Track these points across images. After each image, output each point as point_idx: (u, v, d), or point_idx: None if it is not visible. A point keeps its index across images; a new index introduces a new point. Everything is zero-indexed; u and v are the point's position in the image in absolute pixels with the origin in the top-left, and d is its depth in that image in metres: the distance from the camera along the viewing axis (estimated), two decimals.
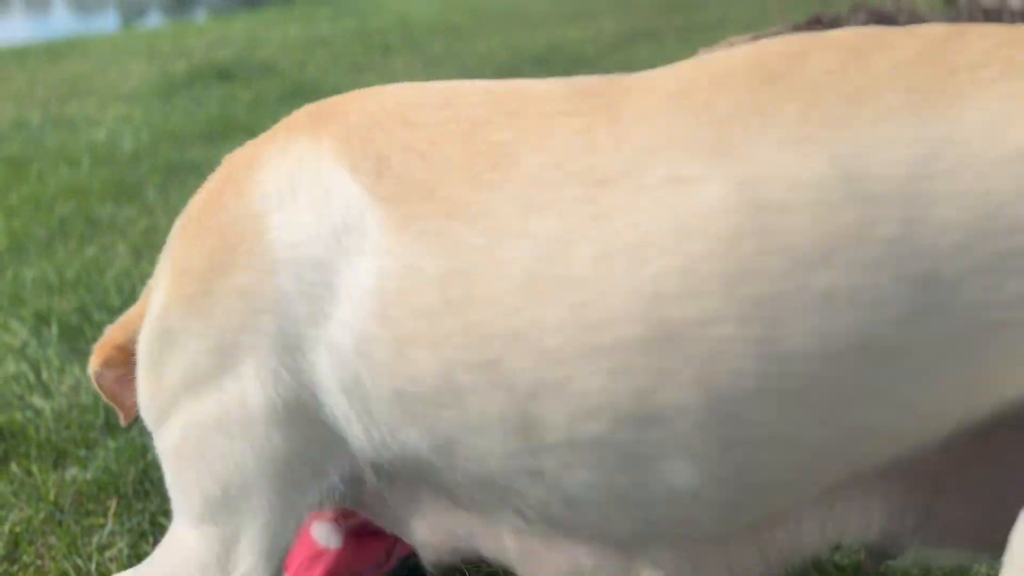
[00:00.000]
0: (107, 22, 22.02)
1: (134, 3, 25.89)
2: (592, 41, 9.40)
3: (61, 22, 22.28)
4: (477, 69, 7.80)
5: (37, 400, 2.65)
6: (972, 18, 6.09)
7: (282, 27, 12.27)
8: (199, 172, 5.15)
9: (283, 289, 1.03)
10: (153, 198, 4.70)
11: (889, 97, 0.79)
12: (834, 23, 6.43)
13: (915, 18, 6.60)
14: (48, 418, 2.53)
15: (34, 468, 2.31)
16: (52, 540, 2.05)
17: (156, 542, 1.99)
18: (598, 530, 1.01)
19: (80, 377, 2.70)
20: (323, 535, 1.73)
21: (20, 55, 11.47)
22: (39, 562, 1.99)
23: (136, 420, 2.22)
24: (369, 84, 5.46)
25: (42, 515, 2.12)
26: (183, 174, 5.13)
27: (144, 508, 2.09)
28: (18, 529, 2.08)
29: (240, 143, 5.28)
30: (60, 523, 2.09)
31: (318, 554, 1.71)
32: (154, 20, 21.48)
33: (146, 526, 2.05)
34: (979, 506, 0.96)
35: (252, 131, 5.54)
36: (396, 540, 1.87)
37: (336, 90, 5.59)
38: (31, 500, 2.18)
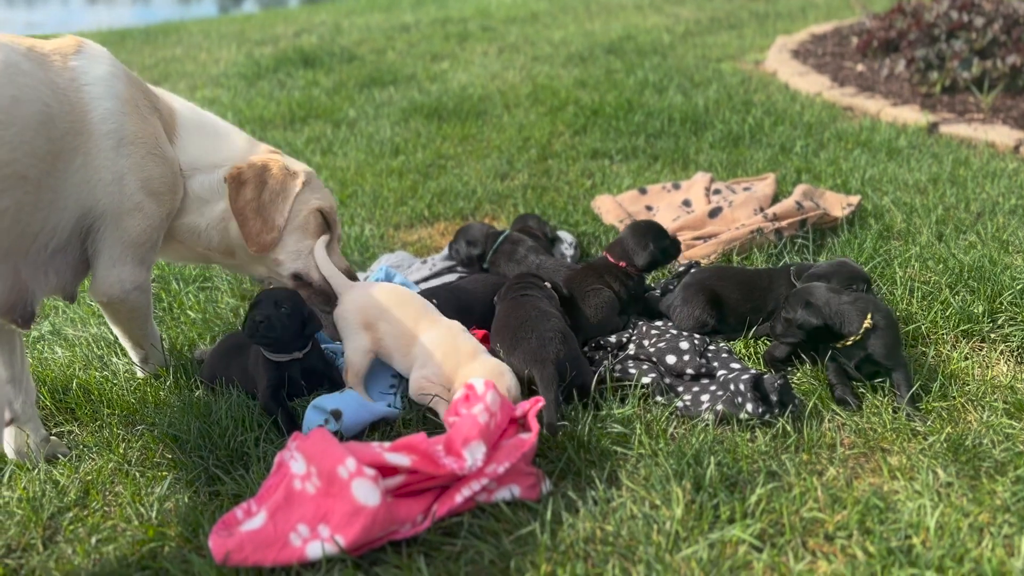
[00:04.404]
0: (206, 10, 22.81)
1: None
2: (668, 29, 9.29)
3: (163, 10, 23.18)
4: (551, 56, 7.84)
5: (114, 360, 2.83)
6: None
7: (367, 15, 12.51)
8: None
9: None
10: None
11: None
12: (916, 12, 6.22)
13: (1001, 3, 6.30)
14: (122, 377, 2.71)
15: (107, 422, 2.49)
16: (119, 489, 2.20)
17: (211, 494, 2.13)
18: None
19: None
20: (362, 493, 1.80)
21: (121, 36, 12.04)
22: (106, 508, 2.15)
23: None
24: (444, 71, 5.64)
25: (111, 466, 2.28)
26: None
27: (203, 463, 2.22)
28: (89, 478, 2.24)
29: (319, 128, 5.52)
30: (127, 474, 2.25)
31: (357, 510, 1.79)
32: (250, 7, 22.15)
33: (203, 479, 2.18)
34: None
35: (331, 116, 5.76)
36: (433, 500, 1.94)
37: (412, 77, 5.79)
38: (102, 451, 2.35)
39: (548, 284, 2.74)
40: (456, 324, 2.52)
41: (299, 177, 2.69)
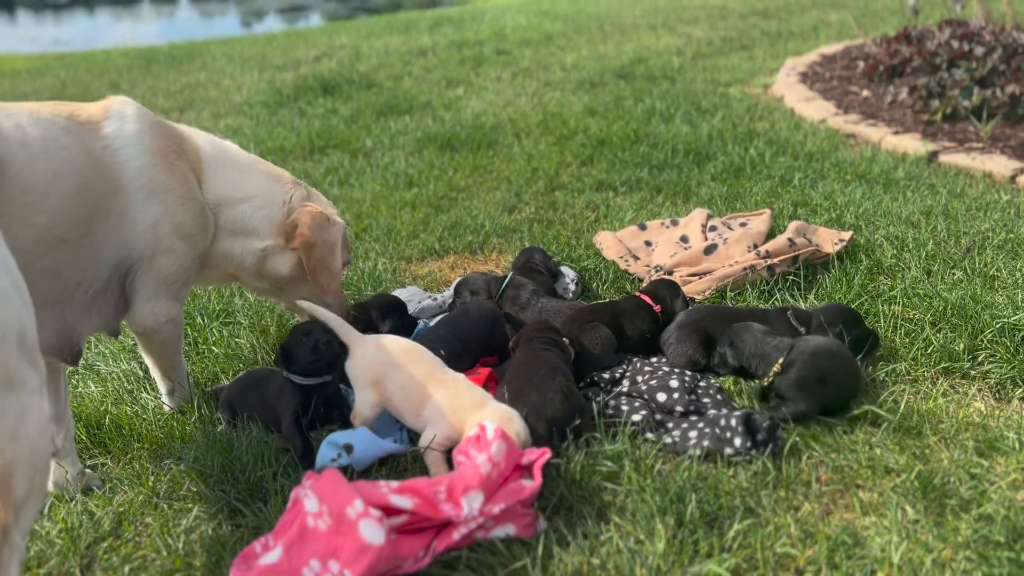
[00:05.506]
0: (229, 24, 23.30)
1: (254, 8, 27.25)
2: (679, 51, 9.44)
3: (187, 25, 23.71)
4: (563, 82, 8.03)
5: (144, 396, 3.03)
6: None
7: (385, 37, 12.78)
8: None
9: None
10: None
11: None
12: (922, 38, 6.35)
13: (1001, 33, 6.43)
14: (151, 412, 2.91)
15: (137, 456, 2.69)
16: (149, 520, 2.40)
17: (233, 526, 2.31)
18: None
19: None
20: (368, 533, 1.98)
21: (147, 60, 12.37)
22: (137, 539, 2.34)
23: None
24: (459, 99, 5.87)
25: (141, 498, 2.48)
26: None
27: (225, 496, 2.41)
28: (122, 509, 2.44)
29: (337, 158, 5.76)
30: (156, 506, 2.44)
31: (363, 548, 1.97)
32: (272, 24, 22.62)
33: (225, 512, 2.37)
34: None
35: (349, 146, 6.00)
36: (434, 537, 2.12)
37: (428, 105, 6.02)
38: (133, 484, 2.54)
39: (566, 340, 2.87)
40: (460, 378, 2.63)
41: (338, 225, 2.99)
